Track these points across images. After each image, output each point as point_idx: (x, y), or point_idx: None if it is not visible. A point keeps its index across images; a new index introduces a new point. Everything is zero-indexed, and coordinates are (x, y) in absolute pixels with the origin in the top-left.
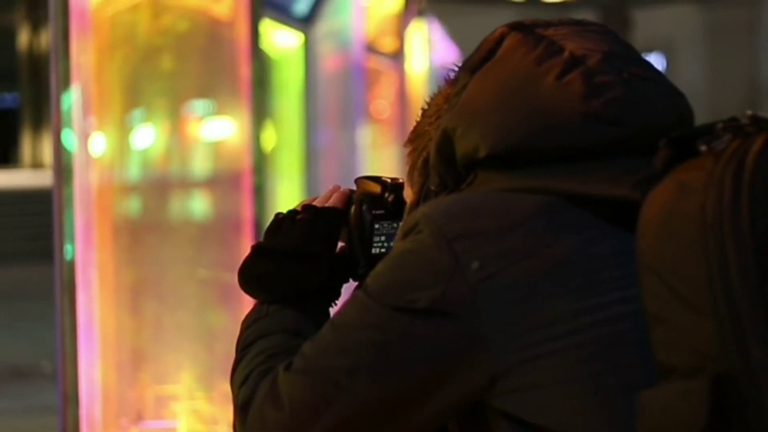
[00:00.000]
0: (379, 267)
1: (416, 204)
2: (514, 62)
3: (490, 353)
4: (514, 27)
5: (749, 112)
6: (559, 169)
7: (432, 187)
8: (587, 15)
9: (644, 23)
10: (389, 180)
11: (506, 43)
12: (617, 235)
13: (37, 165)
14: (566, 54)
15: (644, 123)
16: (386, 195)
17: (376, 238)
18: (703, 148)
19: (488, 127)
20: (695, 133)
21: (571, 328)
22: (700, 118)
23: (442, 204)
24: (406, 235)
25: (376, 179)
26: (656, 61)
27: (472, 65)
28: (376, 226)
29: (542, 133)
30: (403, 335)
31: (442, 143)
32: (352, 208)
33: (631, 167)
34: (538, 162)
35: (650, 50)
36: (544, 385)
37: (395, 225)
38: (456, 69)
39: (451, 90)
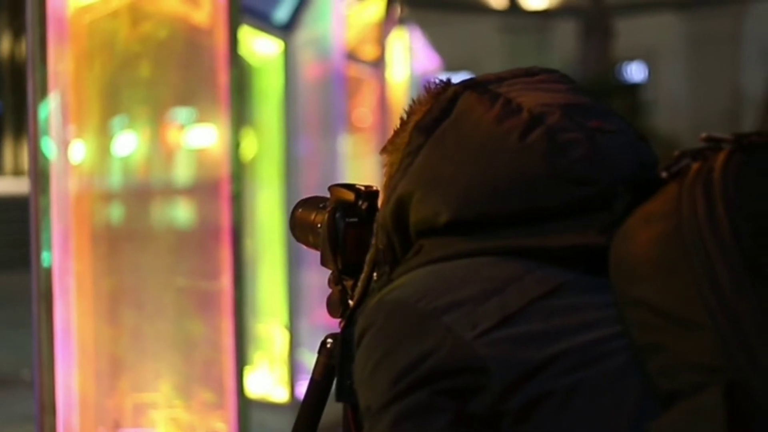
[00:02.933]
0: (361, 383)
1: (383, 252)
2: (472, 123)
3: (494, 397)
4: (468, 86)
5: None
6: (522, 229)
7: (380, 246)
8: (569, 23)
9: (626, 32)
10: (363, 188)
11: (461, 102)
12: (592, 282)
13: (18, 172)
14: (525, 113)
15: (609, 179)
16: (360, 203)
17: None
18: (664, 174)
19: (451, 191)
20: (653, 177)
21: (573, 365)
22: (683, 127)
23: (409, 286)
24: (365, 331)
25: (350, 187)
26: (638, 70)
27: (426, 126)
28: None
29: (508, 197)
30: (417, 411)
31: (397, 210)
32: (326, 216)
33: (594, 220)
34: (500, 224)
35: (632, 59)
36: (546, 426)
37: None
38: (438, 82)
39: (404, 150)
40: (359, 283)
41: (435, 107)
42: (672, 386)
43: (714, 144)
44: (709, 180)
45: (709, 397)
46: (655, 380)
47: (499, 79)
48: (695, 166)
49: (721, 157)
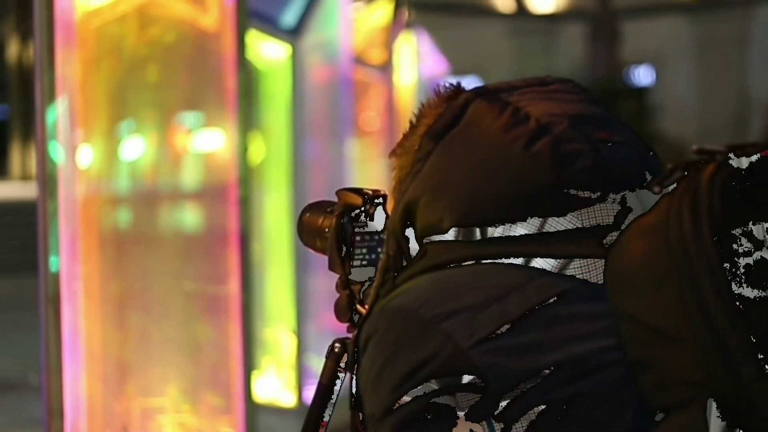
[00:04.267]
0: (365, 390)
1: (393, 258)
2: (480, 130)
3: (491, 406)
4: (479, 93)
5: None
6: (526, 237)
7: (390, 252)
8: (576, 26)
9: (634, 35)
10: (371, 192)
11: (471, 110)
12: (593, 290)
13: (26, 177)
14: (532, 122)
15: (613, 190)
16: (368, 207)
17: (357, 250)
18: (656, 189)
19: (456, 198)
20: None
21: (571, 375)
22: (690, 130)
23: (412, 292)
24: (369, 338)
25: (358, 191)
26: (645, 73)
27: (437, 133)
28: (357, 238)
29: (512, 205)
30: (417, 417)
31: (405, 215)
32: (333, 220)
33: (596, 230)
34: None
35: (639, 62)
36: None
37: (377, 237)
38: (449, 86)
39: (414, 156)
40: (372, 291)
41: (446, 114)
42: (664, 401)
43: (707, 156)
44: (695, 194)
45: (693, 412)
46: (648, 395)
47: (512, 87)
48: (686, 179)
49: (708, 170)
